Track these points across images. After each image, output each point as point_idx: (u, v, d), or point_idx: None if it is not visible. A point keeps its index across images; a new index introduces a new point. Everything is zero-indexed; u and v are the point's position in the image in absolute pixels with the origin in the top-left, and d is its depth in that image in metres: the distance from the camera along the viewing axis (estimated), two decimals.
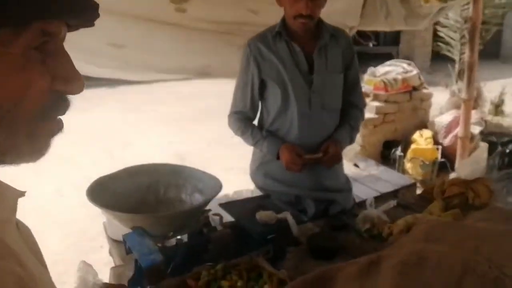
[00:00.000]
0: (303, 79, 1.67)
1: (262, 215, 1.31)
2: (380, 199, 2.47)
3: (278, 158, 1.68)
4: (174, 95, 9.00)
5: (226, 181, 4.50)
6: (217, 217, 1.27)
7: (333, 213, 1.77)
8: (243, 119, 1.77)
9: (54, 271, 2.83)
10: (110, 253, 2.20)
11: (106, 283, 0.81)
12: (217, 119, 6.67)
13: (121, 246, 1.28)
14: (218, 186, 1.22)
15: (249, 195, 2.58)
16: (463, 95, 3.95)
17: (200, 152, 5.37)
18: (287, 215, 1.32)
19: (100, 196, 1.11)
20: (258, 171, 1.85)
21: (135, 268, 1.16)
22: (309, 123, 1.70)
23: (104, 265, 2.95)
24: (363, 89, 4.58)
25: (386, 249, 1.13)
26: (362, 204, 2.46)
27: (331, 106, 1.74)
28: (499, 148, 1.73)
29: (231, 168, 4.74)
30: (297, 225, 1.31)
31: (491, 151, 1.74)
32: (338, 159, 1.71)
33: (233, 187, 3.13)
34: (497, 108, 5.98)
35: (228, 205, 1.36)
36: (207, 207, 1.31)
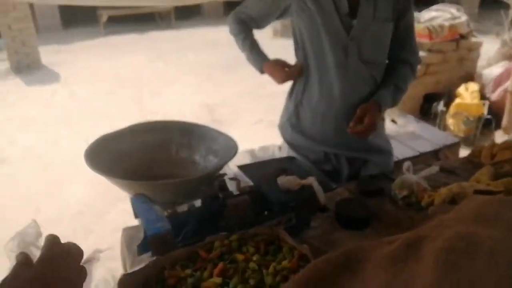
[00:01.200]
0: (341, 22, 1.44)
1: (284, 181, 1.17)
2: (420, 159, 2.28)
3: (262, 72, 1.63)
4: (203, 42, 8.76)
5: (254, 134, 4.42)
6: (235, 181, 1.13)
7: (366, 176, 1.60)
8: (241, 23, 1.65)
9: (82, 221, 2.89)
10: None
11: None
12: (247, 68, 6.48)
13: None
14: (234, 148, 1.08)
15: (276, 151, 2.44)
16: None
17: (229, 104, 5.23)
18: (313, 181, 1.17)
19: (101, 157, 0.99)
20: (287, 123, 1.70)
21: (144, 233, 1.06)
22: (346, 74, 1.49)
23: (130, 216, 2.97)
24: None
25: (426, 226, 0.97)
26: (399, 165, 2.28)
27: (372, 59, 1.51)
28: None
29: (260, 120, 4.60)
30: (323, 192, 1.15)
31: None
32: (372, 130, 1.49)
33: (261, 141, 3.00)
34: None
35: (247, 168, 1.22)
36: (225, 169, 1.18)
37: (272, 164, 1.30)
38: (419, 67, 4.11)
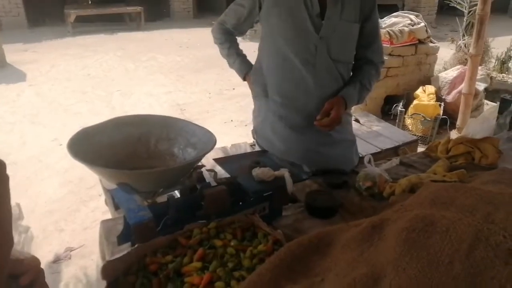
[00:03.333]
0: (311, 22, 1.52)
1: (259, 172, 1.24)
2: (380, 155, 2.42)
3: (244, 79, 1.76)
4: (173, 43, 8.73)
5: (225, 133, 4.46)
6: (211, 173, 1.19)
7: (332, 170, 1.69)
8: (226, 33, 1.76)
9: (51, 219, 2.84)
10: (106, 203, 2.17)
11: None
12: (217, 69, 6.51)
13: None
14: (212, 141, 1.14)
15: (248, 148, 2.52)
16: (471, 50, 3.79)
17: (200, 103, 5.26)
18: (285, 172, 1.24)
19: (83, 148, 1.02)
20: (255, 128, 1.79)
21: (124, 224, 1.10)
22: (314, 72, 1.57)
23: (102, 214, 2.95)
24: None
25: (388, 211, 1.07)
26: (362, 161, 2.41)
27: (340, 58, 1.60)
28: None
29: (230, 120, 4.66)
30: (293, 183, 1.23)
31: (502, 109, 1.65)
32: (337, 123, 1.57)
33: (231, 140, 3.06)
34: (503, 65, 5.81)
35: (223, 160, 1.29)
36: (202, 162, 1.24)
37: (246, 157, 1.37)
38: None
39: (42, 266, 0.91)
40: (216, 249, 1.02)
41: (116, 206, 1.11)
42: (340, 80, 1.63)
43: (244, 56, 1.78)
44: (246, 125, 4.37)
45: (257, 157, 1.35)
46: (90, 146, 1.08)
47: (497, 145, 1.62)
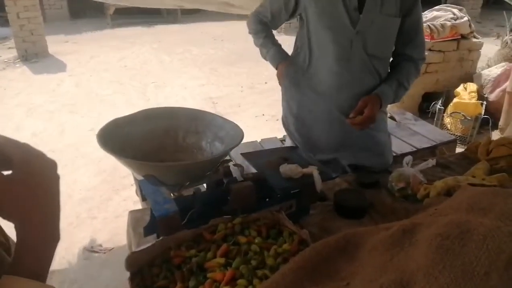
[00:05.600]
0: (348, 16, 1.46)
1: (286, 169, 1.21)
2: (417, 155, 2.33)
3: (277, 68, 1.72)
4: (207, 36, 8.80)
5: (256, 127, 4.46)
6: (239, 168, 1.18)
7: (365, 169, 1.64)
8: (262, 23, 1.72)
9: (85, 206, 2.93)
10: (137, 193, 2.21)
11: None
12: (250, 62, 6.51)
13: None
14: (240, 135, 1.12)
15: (278, 144, 2.49)
16: None
17: (232, 97, 5.27)
18: (313, 170, 1.21)
19: (112, 139, 1.03)
20: (285, 119, 1.77)
21: (150, 215, 1.10)
22: (348, 67, 1.51)
23: (134, 203, 3.02)
24: None
25: (421, 214, 1.02)
26: (397, 160, 2.33)
27: (377, 53, 1.53)
28: None
29: (262, 114, 4.64)
30: (321, 181, 1.20)
31: None
32: (370, 121, 1.50)
33: (262, 134, 3.04)
34: None
35: (251, 155, 1.27)
36: (230, 157, 1.23)
37: (274, 153, 1.34)
38: None
39: (75, 252, 0.92)
40: (240, 245, 1.01)
41: (143, 197, 1.12)
42: (376, 76, 1.57)
43: (279, 46, 1.74)
44: (277, 120, 4.33)
45: (285, 153, 1.32)
46: (119, 137, 1.09)
47: None
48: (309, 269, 0.87)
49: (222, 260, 0.96)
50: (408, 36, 1.57)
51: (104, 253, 2.48)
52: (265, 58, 1.77)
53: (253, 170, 1.25)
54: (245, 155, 1.25)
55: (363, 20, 1.47)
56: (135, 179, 2.16)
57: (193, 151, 1.19)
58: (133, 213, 1.36)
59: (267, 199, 1.19)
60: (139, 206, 2.30)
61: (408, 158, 1.50)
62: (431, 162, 1.45)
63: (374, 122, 1.53)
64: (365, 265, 0.86)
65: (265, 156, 1.31)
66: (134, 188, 3.14)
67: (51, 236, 0.57)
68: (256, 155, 1.29)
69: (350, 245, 0.95)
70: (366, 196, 1.38)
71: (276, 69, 1.73)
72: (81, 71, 6.30)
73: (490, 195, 0.95)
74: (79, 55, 7.17)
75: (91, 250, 2.48)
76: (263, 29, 1.72)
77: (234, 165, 1.20)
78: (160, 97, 5.29)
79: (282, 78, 1.70)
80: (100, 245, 2.54)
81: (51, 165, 0.58)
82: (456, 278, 0.73)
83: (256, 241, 1.01)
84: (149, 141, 1.16)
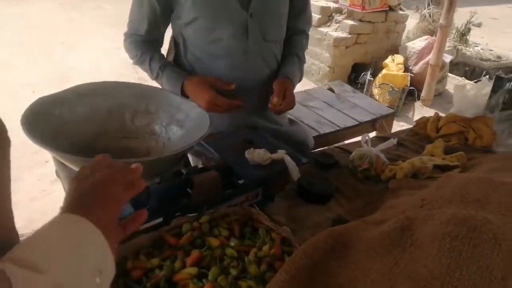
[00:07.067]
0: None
1: (254, 155, 1.07)
2: (358, 128, 2.31)
3: (184, 95, 1.24)
4: None
5: None
6: (201, 156, 1.00)
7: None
8: (140, 44, 1.34)
9: None
10: (58, 175, 1.89)
11: None
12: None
13: (71, 170, 0.99)
14: (205, 118, 0.94)
15: None
16: (442, 20, 3.75)
17: None
18: (284, 155, 1.08)
19: (39, 125, 0.79)
20: None
21: None
22: (246, 59, 1.32)
23: (51, 183, 2.65)
24: (338, 4, 4.25)
25: (408, 206, 0.95)
26: (342, 134, 2.29)
27: (273, 36, 1.38)
28: (507, 85, 1.55)
29: None
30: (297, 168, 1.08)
31: (496, 88, 1.57)
32: (292, 106, 1.39)
33: None
34: (462, 37, 5.89)
35: (210, 137, 1.09)
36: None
37: (236, 135, 1.18)
38: (349, 36, 4.14)
39: None
40: (212, 250, 0.85)
41: None
42: (274, 63, 1.44)
43: (167, 65, 1.34)
44: None
45: (249, 135, 1.16)
46: (49, 122, 0.85)
47: (492, 125, 1.55)
48: (304, 278, 0.75)
49: (194, 270, 0.80)
50: (299, 9, 1.46)
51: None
52: (161, 85, 1.35)
53: (214, 157, 1.08)
54: (205, 140, 1.07)
55: (254, 2, 1.27)
56: (55, 159, 1.85)
57: (145, 136, 0.98)
58: None
59: (230, 189, 1.04)
60: (58, 186, 1.98)
61: (365, 136, 1.44)
62: (392, 141, 1.40)
63: (294, 106, 1.41)
64: (365, 269, 0.76)
65: (226, 139, 1.15)
66: (49, 165, 2.76)
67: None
68: (215, 137, 1.12)
69: (339, 244, 0.84)
70: (330, 180, 1.29)
71: (183, 93, 1.26)
72: None
73: (480, 184, 0.91)
74: None
75: None
76: (143, 52, 1.33)
77: (195, 151, 1.02)
78: (70, 60, 4.70)
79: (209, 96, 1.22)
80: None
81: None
82: (475, 285, 0.66)
83: (232, 243, 0.86)
84: (88, 125, 0.94)
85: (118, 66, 4.61)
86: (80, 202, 0.54)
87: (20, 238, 1.93)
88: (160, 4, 1.27)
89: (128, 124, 0.97)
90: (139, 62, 1.35)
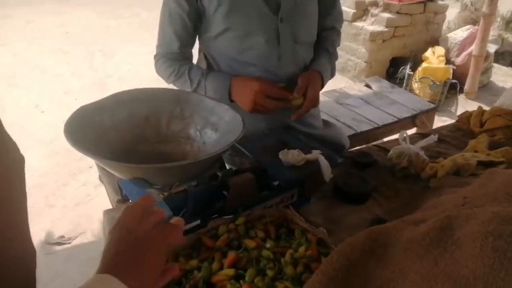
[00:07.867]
0: (265, 3, 1.22)
1: (288, 156, 1.07)
2: (398, 125, 2.25)
3: (231, 99, 1.23)
4: None
5: None
6: (236, 158, 1.01)
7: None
8: (174, 61, 1.33)
9: (40, 194, 2.64)
10: (101, 180, 1.98)
11: None
12: None
13: (113, 175, 1.03)
14: (238, 120, 0.95)
15: None
16: (484, 8, 3.57)
17: None
18: (318, 156, 1.07)
19: (82, 133, 0.83)
20: None
21: None
22: (278, 64, 1.29)
23: (95, 188, 2.77)
24: None
25: (449, 206, 0.92)
26: (380, 131, 2.24)
27: (304, 39, 1.34)
28: None
29: None
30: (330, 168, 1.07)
31: None
32: (316, 104, 1.32)
33: None
34: (508, 24, 5.59)
35: (243, 139, 1.10)
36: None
37: (269, 136, 1.18)
38: (386, 29, 4.03)
39: (35, 245, 0.76)
40: (248, 251, 0.86)
41: (124, 198, 0.94)
42: (302, 69, 1.38)
43: (210, 71, 1.34)
44: None
45: (282, 136, 1.16)
46: (91, 129, 0.89)
47: None
48: (341, 280, 0.74)
49: (231, 272, 0.81)
50: (329, 6, 1.41)
51: (70, 243, 2.26)
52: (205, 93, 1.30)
53: (249, 159, 1.09)
54: (238, 142, 1.08)
55: (284, 4, 1.24)
56: (98, 165, 1.93)
57: (180, 140, 1.01)
58: (109, 212, 1.17)
59: (266, 192, 1.04)
60: (102, 190, 2.06)
61: (403, 133, 1.39)
62: (433, 137, 1.35)
63: (317, 105, 1.35)
64: (404, 270, 0.74)
65: (260, 140, 1.16)
66: (93, 171, 2.87)
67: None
68: (249, 139, 1.13)
69: (377, 245, 0.83)
70: (367, 179, 1.27)
71: (230, 98, 1.25)
72: (17, 40, 5.64)
73: None
74: (13, 20, 6.41)
75: (54, 243, 2.25)
76: (181, 65, 1.32)
77: (229, 154, 1.03)
78: (109, 66, 4.88)
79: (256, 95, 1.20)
80: (63, 236, 2.31)
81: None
82: None
83: (268, 245, 0.87)
84: (126, 132, 0.97)
85: (154, 71, 4.74)
86: (119, 262, 0.52)
87: (67, 242, 2.02)
88: (191, 20, 1.26)
89: (164, 130, 1.00)
90: (176, 76, 1.32)
